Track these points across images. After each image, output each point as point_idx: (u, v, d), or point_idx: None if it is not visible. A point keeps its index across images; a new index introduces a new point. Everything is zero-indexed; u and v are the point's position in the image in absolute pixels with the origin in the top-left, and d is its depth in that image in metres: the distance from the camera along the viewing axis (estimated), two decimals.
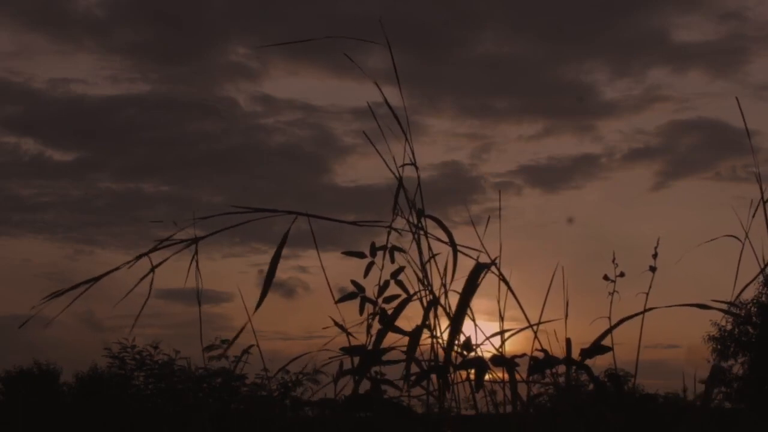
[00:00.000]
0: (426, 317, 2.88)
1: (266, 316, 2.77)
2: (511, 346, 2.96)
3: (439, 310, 2.91)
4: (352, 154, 36.35)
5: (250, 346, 3.33)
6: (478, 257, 2.88)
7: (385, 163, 2.93)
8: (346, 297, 3.15)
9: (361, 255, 3.16)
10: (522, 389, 2.90)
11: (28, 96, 36.36)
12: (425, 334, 2.90)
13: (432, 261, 2.94)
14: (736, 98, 2.93)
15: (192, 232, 2.78)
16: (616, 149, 39.16)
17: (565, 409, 2.94)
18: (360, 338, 3.05)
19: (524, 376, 2.93)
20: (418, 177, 2.94)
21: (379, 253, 3.14)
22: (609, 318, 2.99)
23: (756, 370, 23.22)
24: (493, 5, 35.00)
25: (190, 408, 12.11)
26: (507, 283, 2.90)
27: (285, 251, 2.78)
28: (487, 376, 2.88)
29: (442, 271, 2.92)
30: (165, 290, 2.83)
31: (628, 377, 3.29)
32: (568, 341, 2.95)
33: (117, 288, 2.74)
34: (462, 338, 2.92)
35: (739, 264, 2.80)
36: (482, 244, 2.93)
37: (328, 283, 3.00)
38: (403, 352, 2.88)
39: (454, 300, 2.86)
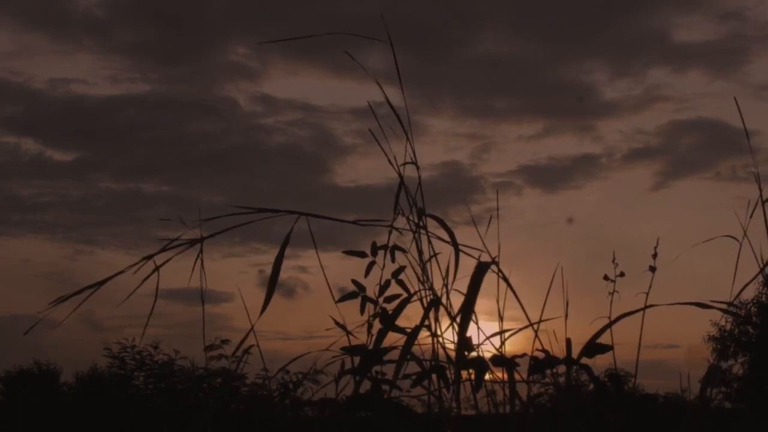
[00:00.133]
0: (425, 317, 2.88)
1: (266, 316, 2.77)
2: (512, 346, 2.97)
3: (441, 309, 2.91)
4: (352, 154, 36.39)
5: (251, 346, 3.33)
6: (479, 257, 2.88)
7: (389, 160, 2.93)
8: (347, 296, 3.15)
9: (362, 254, 3.17)
10: (522, 389, 2.91)
11: (28, 96, 36.39)
12: (426, 333, 2.90)
13: (433, 260, 2.95)
14: (735, 98, 2.93)
15: (194, 233, 2.79)
16: (616, 149, 39.19)
17: (565, 409, 2.94)
18: (361, 338, 3.05)
19: (524, 376, 2.93)
20: (419, 176, 2.95)
21: (380, 253, 3.14)
22: (609, 318, 2.99)
23: (756, 370, 23.22)
24: (493, 5, 35.00)
25: (190, 408, 12.11)
26: (507, 282, 2.90)
27: (285, 251, 2.78)
28: (487, 376, 2.89)
29: (443, 270, 2.92)
30: (165, 290, 2.82)
31: (628, 377, 3.29)
32: (568, 341, 2.95)
33: (118, 288, 2.75)
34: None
35: (737, 264, 2.81)
36: (483, 243, 2.93)
37: (328, 283, 3.01)
38: (399, 351, 2.88)
39: (455, 299, 2.87)
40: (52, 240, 37.93)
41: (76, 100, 35.95)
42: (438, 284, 2.93)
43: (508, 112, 39.98)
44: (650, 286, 3.07)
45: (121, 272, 2.73)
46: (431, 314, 2.90)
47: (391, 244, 3.11)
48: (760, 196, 2.83)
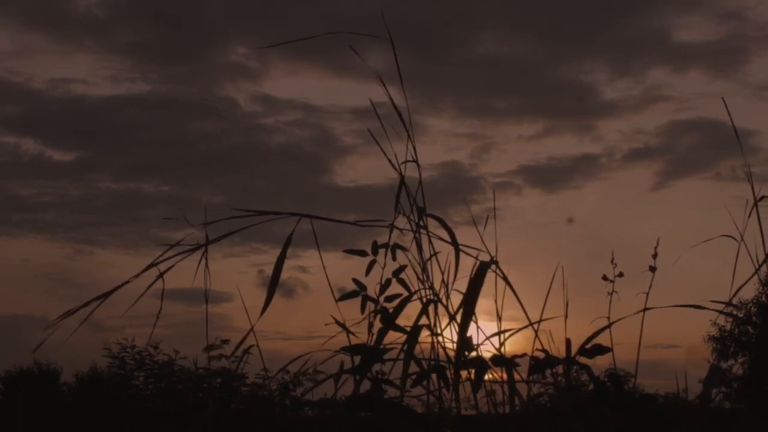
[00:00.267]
0: (421, 316, 2.88)
1: (266, 316, 2.77)
2: (512, 346, 2.97)
3: (440, 308, 2.91)
4: (352, 154, 36.41)
5: (251, 346, 3.33)
6: (477, 256, 2.88)
7: (388, 159, 2.93)
8: (348, 295, 3.15)
9: (362, 253, 3.17)
10: (522, 389, 2.91)
11: (28, 96, 36.41)
12: (426, 333, 2.90)
13: (433, 260, 2.94)
14: (723, 99, 2.93)
15: (198, 235, 2.79)
16: (616, 149, 39.22)
17: (565, 409, 2.94)
18: (361, 337, 3.05)
19: (524, 375, 2.93)
20: (420, 174, 2.95)
21: (381, 252, 3.14)
22: (608, 318, 2.99)
23: (756, 370, 23.21)
24: (493, 5, 35.01)
25: (190, 408, 12.10)
26: (507, 282, 2.90)
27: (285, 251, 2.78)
28: (487, 376, 2.89)
29: (443, 270, 2.92)
30: (165, 290, 2.82)
31: (628, 377, 3.29)
32: (568, 341, 2.95)
33: (121, 291, 2.74)
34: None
35: (736, 264, 2.81)
36: (483, 243, 2.93)
37: (329, 283, 3.01)
38: (404, 351, 2.88)
39: (455, 299, 2.87)
40: (52, 240, 37.97)
41: (76, 100, 35.99)
42: (438, 284, 2.94)
43: (508, 112, 40.03)
44: (650, 286, 3.07)
45: (127, 282, 2.72)
46: (431, 314, 2.90)
47: (391, 243, 3.11)
48: (754, 196, 2.83)
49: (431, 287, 2.93)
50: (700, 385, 3.03)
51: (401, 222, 2.97)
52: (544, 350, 2.93)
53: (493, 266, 2.85)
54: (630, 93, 39.36)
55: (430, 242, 2.94)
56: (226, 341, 11.60)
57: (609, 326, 2.93)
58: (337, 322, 3.09)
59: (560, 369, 2.96)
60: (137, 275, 2.71)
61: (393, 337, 2.95)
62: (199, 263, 2.80)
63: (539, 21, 36.45)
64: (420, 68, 33.81)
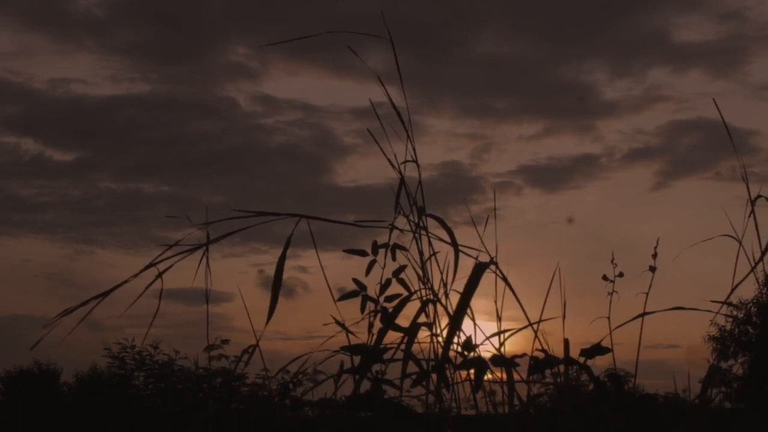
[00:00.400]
0: (419, 315, 2.88)
1: (266, 317, 2.77)
2: (512, 346, 2.97)
3: (440, 308, 2.91)
4: (352, 154, 36.42)
5: (250, 346, 3.33)
6: (477, 256, 2.88)
7: (387, 159, 2.93)
8: (348, 295, 3.15)
9: (362, 253, 3.17)
10: (522, 389, 2.91)
11: (28, 96, 36.43)
12: (425, 332, 2.90)
13: (432, 260, 2.94)
14: (713, 99, 2.94)
15: (198, 235, 2.79)
16: (616, 149, 39.27)
17: (565, 409, 2.94)
18: (361, 337, 3.05)
19: (524, 376, 2.93)
20: (419, 174, 2.95)
21: (381, 252, 3.14)
22: (608, 318, 2.99)
23: (756, 370, 23.21)
24: (493, 5, 35.01)
25: (190, 408, 12.10)
26: (507, 282, 2.90)
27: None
28: (487, 376, 2.88)
29: (442, 269, 2.93)
30: (165, 290, 2.82)
31: (628, 377, 3.29)
32: (566, 341, 2.95)
33: (120, 291, 2.74)
34: (462, 338, 2.92)
35: (736, 264, 2.81)
36: (483, 243, 2.93)
37: (328, 284, 3.01)
38: (401, 350, 2.88)
39: (454, 299, 2.87)
40: (52, 240, 37.98)
41: (76, 100, 36.02)
42: (437, 284, 2.94)
43: (508, 112, 40.05)
44: (650, 287, 3.07)
45: (126, 282, 2.72)
46: (431, 314, 2.90)
47: (391, 243, 3.11)
48: (749, 195, 2.83)
49: (431, 287, 2.93)
50: (700, 385, 3.03)
51: (401, 222, 2.97)
52: (543, 350, 2.93)
53: (493, 266, 2.85)
54: (630, 93, 39.41)
55: (430, 242, 2.94)
56: (226, 341, 11.61)
57: (610, 333, 2.93)
58: (337, 322, 3.09)
59: (560, 369, 2.96)
60: (136, 275, 2.71)
61: (393, 337, 2.95)
62: (200, 263, 2.80)
63: (539, 21, 36.47)
64: (420, 68, 33.84)
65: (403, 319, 2.96)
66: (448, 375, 2.91)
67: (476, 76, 38.32)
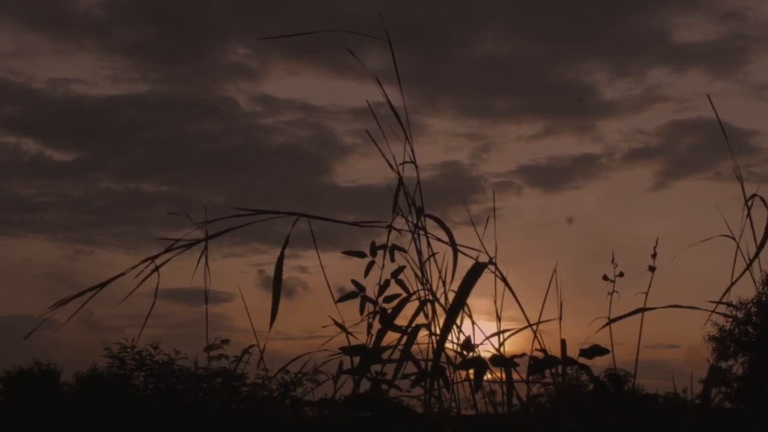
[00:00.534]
0: (417, 315, 2.88)
1: (266, 316, 2.76)
2: (511, 347, 2.97)
3: (439, 309, 2.91)
4: (352, 154, 36.42)
5: (251, 346, 3.33)
6: (477, 257, 2.88)
7: (386, 160, 2.93)
8: (347, 296, 3.15)
9: (361, 254, 3.17)
10: (522, 389, 2.91)
11: (28, 96, 36.43)
12: (424, 332, 2.90)
13: (431, 260, 2.94)
14: (708, 95, 2.94)
15: (197, 235, 2.78)
16: (616, 149, 39.26)
17: (563, 408, 2.94)
18: (360, 338, 3.05)
19: (524, 376, 2.93)
20: (418, 175, 2.95)
21: (380, 253, 3.14)
22: (608, 318, 2.99)
23: (756, 370, 23.21)
24: (493, 5, 35.02)
25: (190, 408, 12.10)
26: (506, 282, 2.90)
27: (285, 251, 2.78)
28: (487, 376, 2.88)
29: (441, 270, 2.92)
30: (165, 290, 2.82)
31: (628, 377, 3.29)
32: (563, 342, 2.95)
33: (119, 288, 2.74)
34: (462, 338, 2.92)
35: (734, 264, 2.81)
36: (482, 243, 2.93)
37: (328, 284, 3.01)
38: (400, 350, 2.88)
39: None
40: (52, 240, 37.98)
41: (76, 100, 36.02)
42: (436, 284, 2.93)
43: (508, 112, 40.05)
44: (649, 286, 3.08)
45: (122, 274, 2.72)
46: (429, 314, 2.90)
47: (390, 244, 3.11)
48: (744, 195, 2.83)
49: (430, 288, 2.93)
50: (700, 385, 3.03)
51: (400, 223, 2.97)
52: (543, 350, 2.93)
53: (492, 266, 2.84)
54: (630, 93, 39.40)
55: (429, 243, 2.94)
56: (226, 341, 11.60)
57: (606, 325, 2.93)
58: (336, 323, 3.09)
59: (560, 369, 2.96)
60: (133, 267, 2.71)
61: (392, 337, 2.95)
62: (199, 261, 2.80)
63: (539, 21, 36.48)
64: (420, 68, 33.85)
65: (403, 320, 2.97)
66: (448, 375, 2.91)
67: (476, 76, 38.34)
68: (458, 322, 2.89)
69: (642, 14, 37.26)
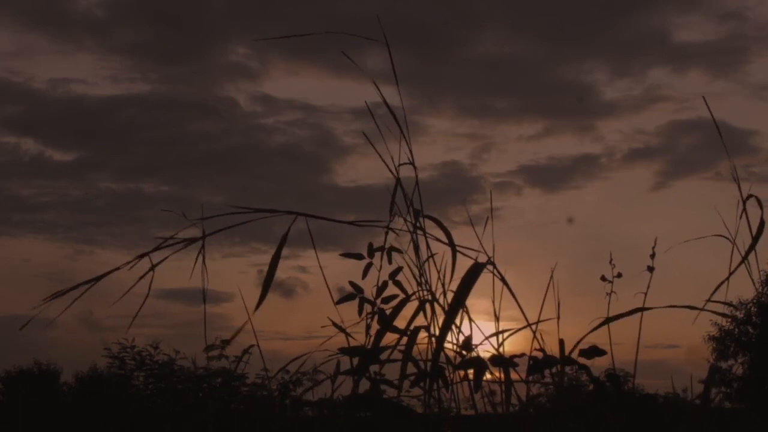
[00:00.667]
0: (416, 316, 2.88)
1: (266, 316, 2.77)
2: (511, 347, 2.97)
3: (438, 309, 2.91)
4: (352, 154, 36.38)
5: (251, 346, 3.33)
6: (476, 257, 2.88)
7: (383, 161, 2.93)
8: (345, 298, 3.15)
9: (359, 257, 3.17)
10: (522, 389, 2.91)
11: (28, 96, 36.42)
12: (423, 333, 2.90)
13: (430, 261, 2.94)
14: (703, 97, 2.94)
15: (193, 231, 2.79)
16: (616, 149, 39.23)
17: (562, 408, 2.94)
18: (359, 338, 3.06)
19: (523, 376, 2.93)
20: (416, 175, 2.95)
21: (378, 254, 3.14)
22: (607, 318, 2.99)
23: (756, 370, 23.21)
24: (493, 5, 35.02)
25: (190, 408, 12.10)
26: (505, 282, 2.90)
27: (285, 251, 2.78)
28: (486, 376, 2.89)
29: (440, 270, 2.92)
30: (165, 290, 2.82)
31: (627, 377, 3.29)
32: (561, 342, 2.95)
33: (117, 287, 2.74)
34: (461, 338, 2.92)
35: (730, 264, 2.81)
36: (481, 244, 2.93)
37: (327, 284, 3.01)
38: (400, 351, 2.88)
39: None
40: (52, 240, 37.98)
41: (76, 100, 36.01)
42: (435, 285, 2.93)
43: (508, 112, 40.03)
44: (648, 286, 3.08)
45: (117, 269, 2.72)
46: (428, 315, 2.90)
47: (388, 245, 3.11)
48: (741, 195, 2.83)
49: (428, 288, 2.93)
50: (700, 385, 3.03)
51: (398, 224, 2.97)
52: (542, 350, 2.93)
53: (490, 266, 2.84)
54: (630, 93, 39.38)
55: (427, 244, 2.94)
56: (227, 342, 11.59)
57: (602, 324, 2.93)
58: (335, 324, 3.09)
59: (559, 369, 2.96)
60: (129, 262, 2.71)
61: (391, 338, 2.95)
62: (197, 259, 2.80)
63: (539, 21, 36.48)
64: (420, 68, 33.86)
65: (402, 320, 2.97)
66: (447, 375, 2.92)
67: (476, 76, 38.32)
68: (457, 322, 2.89)
69: (642, 14, 37.27)
